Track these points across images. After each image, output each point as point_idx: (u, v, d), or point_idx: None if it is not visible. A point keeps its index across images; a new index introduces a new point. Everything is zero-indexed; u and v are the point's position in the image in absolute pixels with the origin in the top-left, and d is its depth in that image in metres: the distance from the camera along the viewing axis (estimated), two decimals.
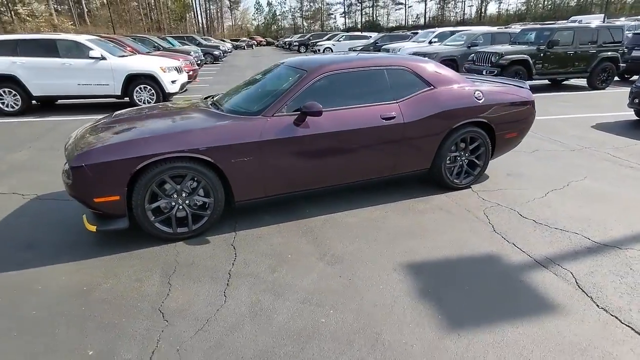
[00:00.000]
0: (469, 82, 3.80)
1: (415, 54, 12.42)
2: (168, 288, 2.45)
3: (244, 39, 59.42)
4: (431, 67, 3.65)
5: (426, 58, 3.90)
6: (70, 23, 40.36)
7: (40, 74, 7.92)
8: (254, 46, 53.33)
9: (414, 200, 3.65)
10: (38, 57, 7.88)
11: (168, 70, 8.51)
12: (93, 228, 2.83)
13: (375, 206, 3.55)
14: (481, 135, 3.74)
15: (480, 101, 3.66)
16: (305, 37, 35.33)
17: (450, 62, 11.71)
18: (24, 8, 35.94)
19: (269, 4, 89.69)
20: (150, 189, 2.81)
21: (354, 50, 20.86)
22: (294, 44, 34.94)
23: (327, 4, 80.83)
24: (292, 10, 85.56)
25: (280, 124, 3.04)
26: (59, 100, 9.21)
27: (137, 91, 8.34)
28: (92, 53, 7.93)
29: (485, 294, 2.34)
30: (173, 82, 8.60)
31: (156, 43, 14.75)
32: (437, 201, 3.63)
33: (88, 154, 2.69)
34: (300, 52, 33.35)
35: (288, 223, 3.26)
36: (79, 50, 7.99)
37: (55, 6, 45.28)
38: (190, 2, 62.57)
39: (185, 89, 9.97)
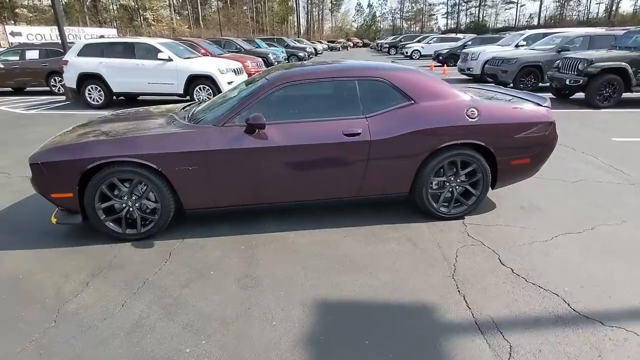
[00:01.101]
0: (467, 97, 3.26)
1: (493, 59, 11.27)
2: (82, 288, 2.53)
3: (341, 40, 60.30)
4: (415, 79, 3.21)
5: (414, 68, 3.44)
6: (186, 26, 45.23)
7: (119, 73, 8.97)
8: (349, 48, 53.77)
9: (386, 227, 3.26)
10: (118, 58, 8.93)
11: (225, 72, 8.98)
12: (54, 221, 3.08)
13: (339, 228, 3.26)
14: (476, 159, 3.18)
15: (474, 120, 3.11)
16: (397, 39, 34.48)
17: (534, 69, 10.35)
18: (150, 14, 41.20)
19: (369, 5, 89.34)
20: (100, 190, 2.94)
21: (440, 54, 19.79)
22: (385, 46, 34.35)
23: (429, 4, 77.87)
24: (392, 11, 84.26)
25: (228, 134, 2.95)
26: (140, 97, 10.33)
27: (196, 91, 8.96)
28: (160, 55, 8.73)
29: (383, 355, 1.96)
30: (229, 83, 9.03)
31: (238, 45, 15.70)
32: (411, 231, 3.19)
33: (45, 152, 2.92)
34: (390, 54, 32.70)
35: (238, 236, 3.16)
36: (151, 52, 8.85)
37: (177, 11, 51.24)
38: (293, 5, 65.58)
39: None
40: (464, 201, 3.33)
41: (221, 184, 3.01)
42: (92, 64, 8.95)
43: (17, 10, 32.41)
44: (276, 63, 15.88)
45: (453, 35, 30.79)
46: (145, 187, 2.99)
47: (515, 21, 67.95)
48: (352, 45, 58.93)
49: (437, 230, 3.20)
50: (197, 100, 8.94)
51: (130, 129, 3.11)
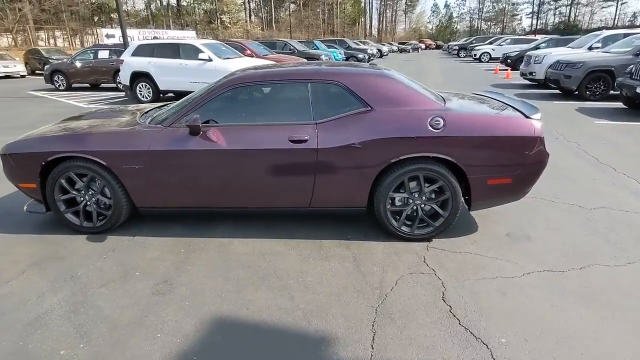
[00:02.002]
0: (437, 104, 2.87)
1: (557, 62, 10.09)
2: (17, 276, 2.65)
3: (412, 42, 58.64)
4: (374, 83, 2.89)
5: (383, 71, 3.09)
6: (259, 28, 47.17)
7: (165, 72, 9.53)
8: (419, 50, 52.07)
9: (339, 243, 3.00)
10: (165, 58, 9.49)
11: None
12: (25, 209, 3.29)
13: (289, 239, 3.06)
14: (442, 176, 2.79)
15: (438, 130, 2.73)
16: (468, 41, 32.59)
17: (604, 74, 9.05)
18: (228, 17, 43.60)
19: (446, 6, 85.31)
20: (59, 183, 3.08)
21: (508, 57, 18.28)
22: (454, 48, 32.65)
23: (513, 3, 72.41)
24: (471, 11, 79.84)
25: (173, 135, 2.91)
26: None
27: None
28: (201, 55, 9.11)
29: None
30: None
31: (292, 47, 15.92)
32: (363, 250, 2.89)
33: (13, 144, 3.12)
34: (459, 57, 31.05)
35: (185, 239, 3.11)
36: (194, 53, 9.27)
37: (256, 14, 53.66)
38: (365, 7, 65.23)
39: None
40: (431, 222, 2.95)
41: (166, 184, 2.98)
42: (142, 63, 9.63)
43: (112, 15, 36.32)
44: None
45: (532, 36, 28.32)
46: (99, 183, 3.07)
47: (614, 21, 60.51)
48: (423, 47, 57.01)
49: (393, 252, 2.86)
50: None
51: (92, 126, 3.21)
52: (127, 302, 2.36)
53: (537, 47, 16.65)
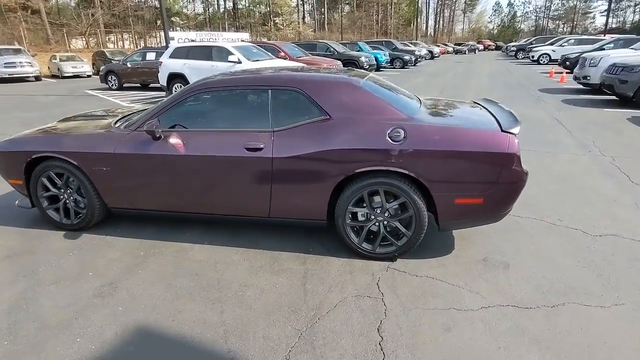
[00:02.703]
0: (402, 114, 2.64)
1: (613, 66, 9.09)
2: None
3: (470, 43, 56.15)
4: (336, 90, 2.72)
5: (349, 78, 2.88)
6: (311, 30, 47.66)
7: (197, 73, 9.83)
8: (476, 51, 49.72)
9: (297, 256, 2.86)
10: (198, 60, 9.83)
11: None
12: (16, 203, 3.51)
13: (247, 249, 2.98)
14: (404, 192, 2.56)
15: (397, 143, 2.50)
16: (528, 41, 30.52)
17: None
18: (281, 19, 44.56)
19: (509, 4, 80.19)
20: (40, 180, 3.24)
21: (567, 59, 16.83)
22: (511, 49, 30.74)
23: (585, 0, 66.62)
24: (537, 10, 74.58)
25: (137, 139, 2.94)
26: None
27: None
28: (230, 57, 9.31)
29: None
30: None
31: (332, 48, 15.84)
32: (318, 266, 2.74)
33: (3, 143, 3.33)
34: (517, 58, 29.21)
35: (150, 241, 3.14)
36: (224, 55, 9.50)
37: (310, 15, 54.36)
38: (420, 6, 63.47)
39: None
40: (394, 241, 2.72)
41: (131, 187, 3.03)
42: (178, 64, 10.04)
43: (172, 19, 38.56)
44: (367, 67, 15.58)
45: (601, 36, 25.90)
46: (74, 182, 3.19)
47: None
48: (481, 48, 54.39)
49: (348, 271, 2.68)
50: None
51: (72, 128, 3.35)
52: (67, 302, 2.41)
53: (601, 48, 15.20)
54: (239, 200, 2.87)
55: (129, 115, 3.60)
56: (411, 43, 31.07)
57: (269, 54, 10.62)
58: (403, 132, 2.52)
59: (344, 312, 2.26)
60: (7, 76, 18.01)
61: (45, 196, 3.29)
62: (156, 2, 38.68)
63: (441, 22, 74.65)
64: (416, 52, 23.94)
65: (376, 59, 19.24)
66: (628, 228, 3.15)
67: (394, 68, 21.76)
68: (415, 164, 2.49)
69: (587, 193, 3.87)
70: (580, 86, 11.56)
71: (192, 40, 19.92)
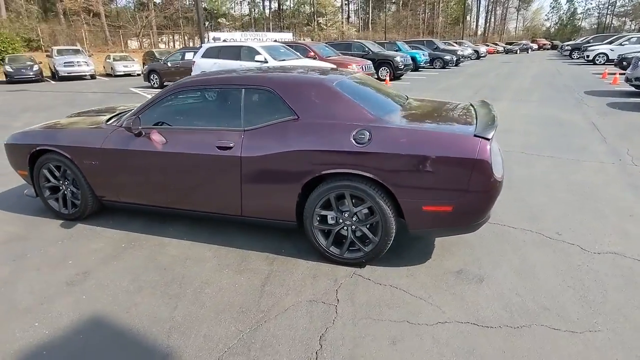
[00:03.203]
0: (371, 116, 2.52)
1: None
2: None
3: (522, 42, 53.31)
4: (307, 90, 2.66)
5: (322, 78, 2.79)
6: (354, 29, 47.43)
7: None
8: (529, 50, 47.10)
9: (267, 256, 2.84)
10: (227, 59, 10.08)
11: None
12: (24, 192, 3.77)
13: (220, 247, 2.99)
14: (369, 196, 2.45)
15: (361, 145, 2.40)
16: (584, 40, 28.43)
17: None
18: (324, 19, 44.76)
19: (569, 0, 74.66)
20: (42, 172, 3.46)
21: (624, 59, 15.48)
22: (565, 48, 28.79)
23: None
24: (600, 6, 69.12)
25: (122, 135, 3.05)
26: None
27: None
28: (257, 57, 9.47)
29: None
30: None
31: (367, 48, 15.63)
32: (285, 267, 2.70)
33: (13, 135, 3.58)
34: (571, 58, 27.34)
35: (135, 234, 3.24)
36: (252, 54, 9.68)
37: (357, 15, 54.22)
38: (471, 5, 61.09)
39: None
40: (361, 246, 2.62)
41: (116, 180, 3.15)
42: (209, 64, 10.34)
43: (219, 20, 39.94)
44: (402, 67, 15.23)
45: None
46: (70, 174, 3.37)
47: None
48: (535, 47, 51.43)
49: (312, 275, 2.61)
50: None
51: (73, 122, 3.54)
52: (40, 288, 2.55)
53: None
54: (212, 198, 2.90)
55: (122, 112, 3.75)
56: (455, 42, 30.02)
57: (297, 53, 10.68)
58: (368, 134, 2.42)
59: (292, 317, 2.21)
60: (66, 74, 19.47)
61: (47, 186, 3.51)
62: (205, 4, 40.30)
63: (493, 20, 71.41)
64: (458, 52, 23.09)
65: (414, 59, 18.78)
66: (635, 246, 2.83)
67: (434, 68, 21.12)
68: (380, 167, 2.39)
69: (601, 205, 3.52)
70: (633, 89, 10.60)
71: (235, 41, 20.46)
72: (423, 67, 20.27)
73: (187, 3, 39.82)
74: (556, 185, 4.02)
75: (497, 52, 43.92)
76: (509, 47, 46.38)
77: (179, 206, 3.07)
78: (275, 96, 2.70)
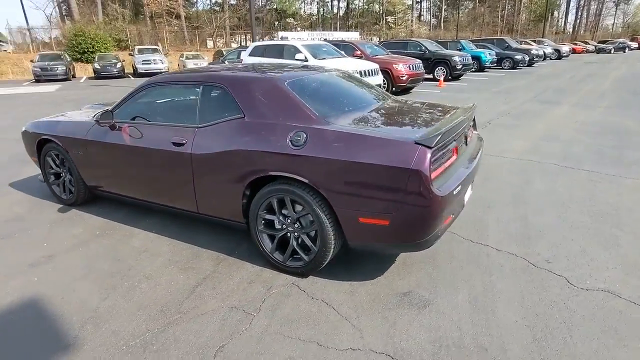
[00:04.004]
0: (313, 116, 2.34)
1: None
2: None
3: (619, 40, 47.49)
4: (256, 90, 2.53)
5: (274, 77, 2.60)
6: (424, 28, 45.82)
7: None
8: (626, 49, 41.81)
9: (219, 256, 2.78)
10: (271, 57, 10.24)
11: None
12: (39, 177, 4.13)
13: (181, 242, 3.00)
14: (306, 202, 2.29)
15: (297, 148, 2.24)
16: None
17: None
18: (392, 17, 43.86)
19: None
20: (47, 159, 3.75)
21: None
22: None
23: None
24: None
25: (98, 128, 3.19)
26: None
27: None
28: (297, 56, 9.49)
29: None
30: None
31: (423, 47, 14.92)
32: (229, 269, 2.62)
33: (28, 124, 3.92)
34: None
35: (116, 223, 3.36)
36: (294, 53, 9.72)
37: (428, 13, 52.45)
38: (560, 0, 55.71)
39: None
40: (302, 255, 2.46)
41: (97, 171, 3.31)
42: (253, 62, 10.61)
43: (287, 20, 40.95)
44: (460, 67, 14.34)
45: None
46: (66, 162, 3.61)
47: None
48: (635, 46, 45.54)
49: (250, 280, 2.51)
50: None
51: (73, 114, 3.78)
52: (6, 266, 2.74)
53: None
54: (172, 193, 2.91)
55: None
56: (533, 41, 27.63)
57: (342, 52, 10.52)
58: (304, 136, 2.25)
59: (205, 323, 2.13)
60: (144, 71, 21.25)
61: (51, 173, 3.80)
62: (275, 5, 41.62)
63: (584, 16, 64.46)
64: (532, 51, 21.20)
65: (478, 58, 17.63)
66: (638, 286, 2.31)
67: (502, 68, 19.64)
68: (314, 172, 2.20)
69: (619, 233, 2.96)
70: None
71: (302, 40, 20.73)
72: (489, 68, 18.94)
73: (259, 4, 41.44)
74: (574, 205, 3.46)
75: (587, 51, 39.64)
76: (601, 45, 41.56)
77: (147, 199, 3.14)
78: (227, 94, 2.63)
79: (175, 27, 37.75)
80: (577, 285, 2.35)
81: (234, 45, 41.78)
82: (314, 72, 2.98)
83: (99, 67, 20.27)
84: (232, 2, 41.85)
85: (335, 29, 41.29)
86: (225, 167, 2.53)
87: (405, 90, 11.41)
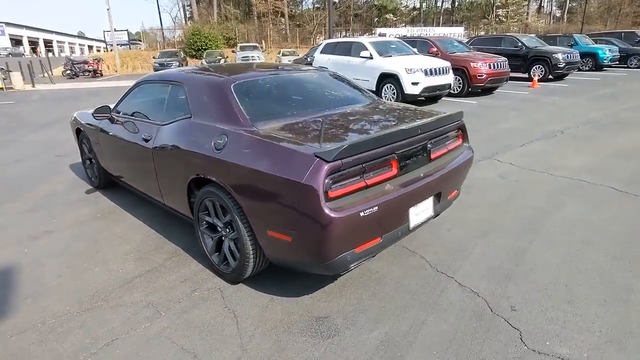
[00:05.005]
0: (243, 122, 2.24)
1: None
2: (27, 201, 3.98)
3: None
4: (205, 91, 2.52)
5: (223, 80, 2.51)
6: (541, 21, 40.91)
7: (336, 68, 10.15)
8: None
9: (177, 251, 2.87)
10: (339, 55, 10.15)
11: (413, 72, 8.40)
12: None
13: (156, 234, 3.16)
14: (229, 209, 2.22)
15: (218, 151, 2.17)
16: None
17: None
18: (502, 10, 40.09)
19: None
20: (82, 145, 4.28)
21: None
22: None
23: None
24: None
25: (105, 120, 3.51)
26: None
27: (384, 89, 8.95)
28: (363, 53, 9.25)
29: None
30: (414, 84, 8.41)
31: (520, 42, 13.24)
32: (176, 266, 2.68)
33: (75, 113, 4.49)
34: None
35: (119, 208, 3.68)
36: (360, 50, 9.50)
37: (546, 3, 46.81)
38: None
39: (439, 93, 9.11)
40: (231, 262, 2.39)
41: (104, 159, 3.68)
42: (323, 59, 10.63)
43: (386, 16, 40.08)
44: (564, 65, 12.49)
45: None
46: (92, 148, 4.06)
47: None
48: None
49: (185, 279, 2.53)
50: (383, 99, 8.92)
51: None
52: (14, 235, 3.19)
53: None
54: (144, 184, 3.10)
55: None
56: None
57: (413, 49, 9.94)
58: (225, 140, 2.17)
59: (116, 314, 2.20)
60: None
61: (86, 158, 4.32)
62: (375, 1, 41.12)
63: None
64: None
65: (594, 55, 15.19)
66: (607, 355, 1.75)
67: (627, 67, 16.60)
68: (230, 177, 2.12)
69: (636, 284, 2.28)
70: None
71: (403, 36, 20.27)
72: (610, 66, 16.16)
73: (360, 1, 41.37)
74: (601, 242, 2.77)
75: None
76: None
77: (134, 188, 3.37)
78: (184, 94, 2.68)
79: (279, 25, 39.80)
80: (530, 344, 1.87)
81: None
82: (282, 72, 2.87)
83: (205, 63, 22.43)
84: (335, 0, 42.50)
85: (438, 25, 39.22)
86: (173, 165, 2.59)
87: (486, 91, 10.37)
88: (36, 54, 56.58)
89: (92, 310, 2.25)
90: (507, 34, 16.63)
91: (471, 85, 9.77)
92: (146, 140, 2.84)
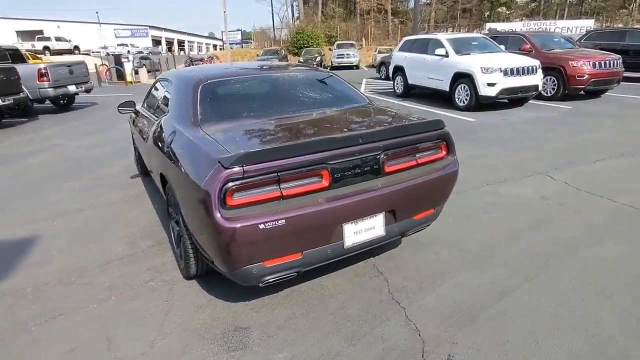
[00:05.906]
0: (193, 120, 2.26)
1: None
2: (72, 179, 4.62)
3: None
4: (180, 88, 2.63)
5: (199, 77, 2.53)
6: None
7: (412, 67, 9.72)
8: None
9: (161, 241, 3.05)
10: (416, 52, 9.62)
11: (490, 72, 7.55)
12: None
13: (156, 222, 3.40)
14: (175, 206, 2.27)
15: (167, 151, 2.23)
16: None
17: None
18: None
19: None
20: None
21: None
22: None
23: None
24: None
25: (136, 114, 3.86)
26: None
27: (458, 91, 8.23)
28: (437, 51, 8.62)
29: None
30: (490, 85, 7.56)
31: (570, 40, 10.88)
32: (152, 252, 2.85)
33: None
34: None
35: (144, 193, 4.07)
36: (436, 47, 8.87)
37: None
38: None
39: (523, 96, 7.97)
40: (184, 259, 2.45)
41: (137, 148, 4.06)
42: (401, 57, 10.20)
43: (499, 10, 36.59)
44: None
45: None
46: None
47: None
48: None
49: (150, 267, 2.67)
50: (457, 101, 8.21)
51: None
52: (55, 210, 3.73)
53: None
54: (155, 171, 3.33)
55: None
56: None
57: (499, 47, 8.89)
58: (173, 138, 2.22)
59: (73, 292, 2.42)
60: (337, 64, 23.24)
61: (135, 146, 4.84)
62: None
63: None
64: None
65: None
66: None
67: None
68: (171, 175, 2.19)
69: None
70: None
71: (514, 31, 18.57)
72: None
73: None
74: (604, 279, 2.15)
75: None
76: None
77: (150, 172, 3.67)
78: (170, 92, 2.81)
79: (381, 22, 39.28)
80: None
81: None
82: (266, 73, 2.81)
83: (302, 60, 23.23)
84: None
85: (562, 17, 34.50)
86: (156, 160, 2.74)
87: (591, 94, 8.85)
88: (170, 52, 65.59)
89: (64, 285, 2.52)
90: (634, 27, 13.86)
91: (568, 87, 8.42)
92: (147, 135, 3.06)
